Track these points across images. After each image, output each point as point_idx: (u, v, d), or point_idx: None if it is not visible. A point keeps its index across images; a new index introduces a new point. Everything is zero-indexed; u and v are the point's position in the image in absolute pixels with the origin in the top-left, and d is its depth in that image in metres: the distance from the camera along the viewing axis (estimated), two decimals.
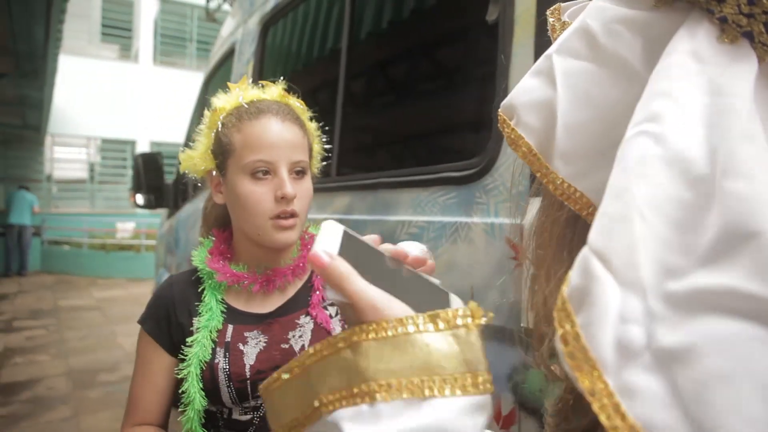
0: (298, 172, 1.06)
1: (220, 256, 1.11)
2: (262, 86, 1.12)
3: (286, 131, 1.04)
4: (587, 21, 0.41)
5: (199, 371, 1.02)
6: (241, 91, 1.10)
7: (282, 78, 1.17)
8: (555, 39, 0.51)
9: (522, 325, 1.17)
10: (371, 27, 2.07)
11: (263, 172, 1.02)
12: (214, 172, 1.10)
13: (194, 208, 2.98)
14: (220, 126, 1.07)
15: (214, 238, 1.15)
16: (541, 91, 0.42)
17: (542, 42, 1.17)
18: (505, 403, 1.19)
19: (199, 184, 1.20)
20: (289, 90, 1.16)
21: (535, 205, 1.15)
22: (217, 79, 3.52)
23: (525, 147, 0.43)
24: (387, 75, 1.96)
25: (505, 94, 1.27)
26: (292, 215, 1.03)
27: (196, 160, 1.10)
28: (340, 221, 1.70)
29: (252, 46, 2.72)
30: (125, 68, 14.51)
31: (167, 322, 1.08)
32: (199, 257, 1.11)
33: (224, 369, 1.02)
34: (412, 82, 1.86)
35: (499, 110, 0.45)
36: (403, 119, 1.86)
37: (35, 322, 7.12)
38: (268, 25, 2.67)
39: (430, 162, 1.52)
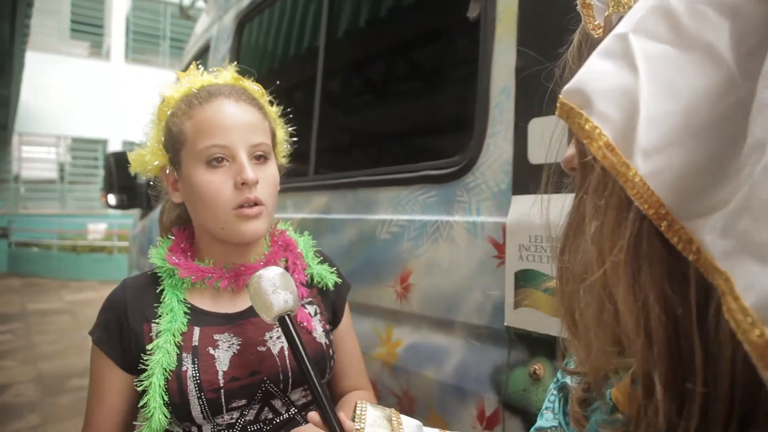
0: (260, 157, 0.95)
1: (182, 253, 1.00)
2: (214, 72, 1.04)
3: (241, 112, 0.94)
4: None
5: (163, 382, 0.88)
6: (191, 78, 1.01)
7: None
8: (587, 14, 0.48)
9: (505, 324, 1.16)
10: (349, 25, 2.04)
11: (219, 158, 0.91)
12: (167, 169, 1.00)
13: None
14: (169, 116, 0.97)
15: (173, 237, 1.03)
16: (619, 77, 0.37)
17: (525, 39, 1.16)
18: (488, 403, 1.18)
19: (152, 183, 1.09)
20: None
21: (520, 204, 1.15)
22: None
23: (602, 140, 0.37)
24: (366, 73, 1.94)
25: (487, 92, 1.27)
26: (257, 203, 0.93)
27: (146, 158, 1.00)
28: (318, 220, 1.65)
29: (228, 43, 2.67)
30: (96, 66, 14.17)
31: (119, 331, 0.93)
32: (158, 254, 0.99)
33: (194, 377, 0.90)
34: (392, 80, 1.84)
35: (562, 97, 0.40)
36: (383, 118, 1.84)
37: (2, 327, 6.91)
38: (243, 21, 2.62)
39: (410, 161, 1.50)
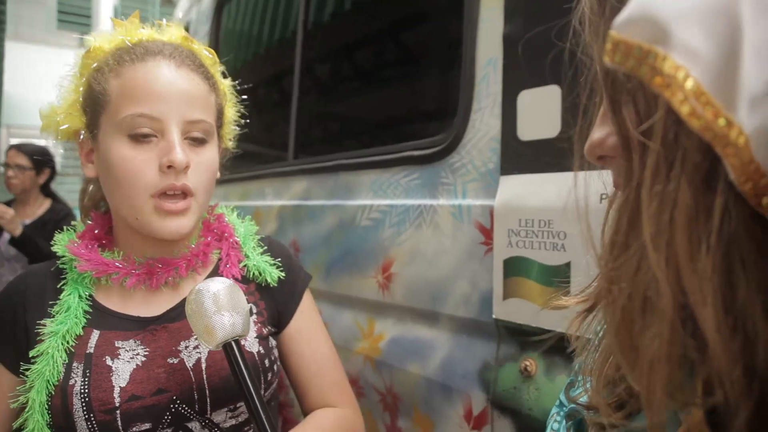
0: (197, 139, 0.80)
1: (92, 241, 0.84)
2: (158, 25, 0.87)
3: (181, 80, 0.78)
4: None
5: (45, 398, 0.72)
6: (128, 28, 0.84)
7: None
8: None
9: (493, 316, 1.06)
10: (329, 2, 1.93)
11: (145, 133, 0.75)
12: (82, 134, 0.82)
13: None
14: (93, 71, 0.80)
15: (90, 222, 0.88)
16: None
17: (514, 4, 1.06)
18: (476, 401, 1.08)
19: (62, 151, 0.92)
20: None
21: (509, 184, 1.04)
22: None
23: (689, 86, 0.26)
24: (346, 51, 1.83)
25: (472, 64, 1.16)
26: (185, 193, 0.77)
27: (58, 117, 0.82)
28: (298, 207, 1.54)
29: (206, 26, 2.55)
30: None
31: (12, 326, 0.79)
32: (62, 241, 0.84)
33: (81, 393, 0.73)
34: (373, 56, 1.73)
35: (618, 32, 0.29)
36: (363, 97, 1.74)
37: None
38: (222, 3, 2.51)
39: (392, 141, 1.40)
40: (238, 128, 0.97)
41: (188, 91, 0.79)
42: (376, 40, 1.68)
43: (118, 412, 0.73)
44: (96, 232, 0.86)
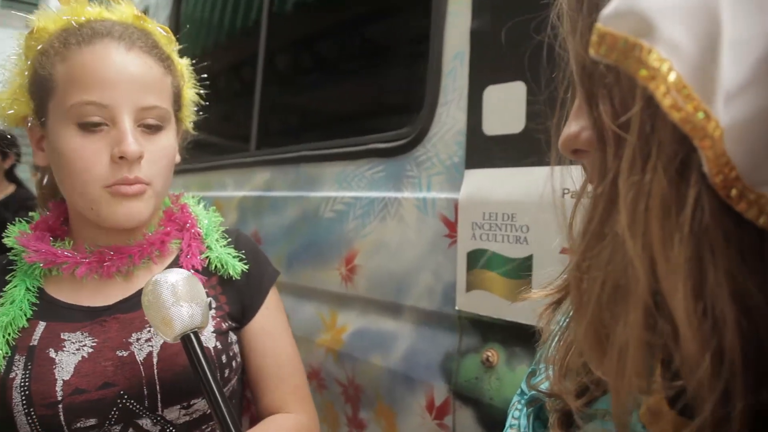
0: (152, 126, 0.76)
1: (45, 232, 0.81)
2: (107, 2, 0.81)
3: (132, 63, 0.73)
4: None
5: None
6: (74, 7, 0.78)
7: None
8: None
9: (456, 308, 1.07)
10: None
11: (94, 122, 0.72)
12: (30, 120, 0.79)
13: None
14: (38, 53, 0.76)
15: (47, 213, 0.86)
16: None
17: (481, 0, 1.07)
18: (438, 392, 1.10)
19: (9, 136, 0.87)
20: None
21: (473, 178, 1.06)
22: None
23: (672, 79, 0.27)
24: (310, 42, 1.81)
25: (439, 57, 1.17)
26: (139, 183, 0.75)
27: (4, 103, 0.78)
28: (260, 198, 1.52)
29: (166, 11, 2.47)
30: None
31: None
32: (13, 232, 0.80)
33: (22, 386, 0.70)
34: (339, 47, 1.72)
35: (605, 24, 0.29)
36: (328, 88, 1.73)
37: None
38: None
39: (356, 133, 1.39)
40: (197, 111, 0.93)
41: (140, 76, 0.74)
42: (343, 31, 1.67)
43: (60, 406, 0.71)
44: (50, 222, 0.83)
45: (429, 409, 1.12)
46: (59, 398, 0.71)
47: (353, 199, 1.33)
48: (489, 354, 1.02)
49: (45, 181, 0.88)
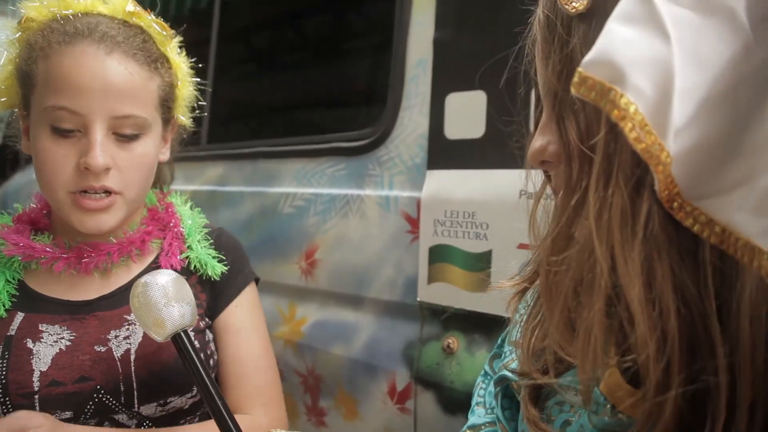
0: (127, 136, 0.74)
1: (26, 225, 0.81)
2: None
3: (109, 69, 0.71)
4: None
5: None
6: None
7: None
8: None
9: (418, 299, 1.15)
10: None
11: (66, 128, 0.71)
12: (17, 109, 0.79)
13: (28, 179, 2.57)
14: (25, 45, 0.75)
15: (33, 205, 0.85)
16: (650, 44, 0.33)
17: (445, 10, 1.14)
18: (400, 378, 1.17)
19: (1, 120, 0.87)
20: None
21: (435, 178, 1.14)
22: None
23: (638, 119, 0.33)
24: (270, 34, 1.82)
25: (402, 63, 1.23)
26: (108, 192, 0.74)
27: None
28: (213, 193, 1.51)
29: None
30: None
31: None
32: None
33: None
34: (297, 47, 1.75)
35: (585, 70, 0.35)
36: (286, 86, 1.75)
37: None
38: None
39: (318, 131, 1.44)
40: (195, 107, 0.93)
41: (117, 84, 0.72)
42: (303, 27, 1.70)
43: (36, 396, 0.72)
44: (33, 215, 0.83)
45: (391, 395, 1.19)
46: (36, 389, 0.72)
47: (313, 195, 1.38)
48: (450, 341, 1.10)
49: None
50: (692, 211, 0.34)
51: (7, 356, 0.72)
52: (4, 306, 0.75)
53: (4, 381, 0.71)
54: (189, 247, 0.88)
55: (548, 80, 0.46)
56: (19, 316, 0.76)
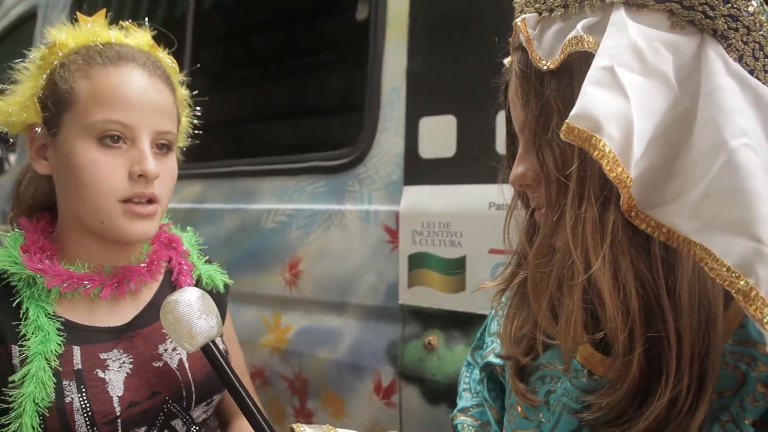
0: (163, 147, 0.82)
1: (41, 253, 0.81)
2: (124, 28, 0.87)
3: (153, 90, 0.80)
4: (634, 39, 0.47)
5: (38, 421, 0.72)
6: (95, 28, 0.83)
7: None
8: (531, 50, 0.55)
9: (399, 302, 1.27)
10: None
11: (116, 137, 0.77)
12: (38, 129, 0.81)
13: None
14: (58, 66, 0.80)
15: (23, 231, 0.84)
16: (617, 103, 0.45)
17: (416, 43, 1.28)
18: (385, 375, 1.29)
19: (11, 141, 0.91)
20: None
21: (412, 193, 1.26)
22: (5, 49, 3.00)
23: (611, 155, 0.45)
24: (249, 53, 1.90)
25: (378, 90, 1.36)
26: (151, 201, 0.79)
27: (11, 110, 0.81)
28: (192, 210, 1.56)
29: (65, 12, 2.37)
30: None
31: None
32: (9, 256, 0.79)
33: (83, 409, 0.74)
34: (279, 68, 1.84)
35: (573, 123, 0.47)
36: (265, 102, 1.84)
37: None
38: None
39: (297, 151, 1.54)
40: (190, 138, 1.02)
41: (159, 102, 0.81)
42: (285, 49, 1.78)
43: (119, 420, 0.77)
44: (40, 242, 0.83)
45: (377, 391, 1.31)
46: (118, 413, 0.77)
47: (295, 210, 1.48)
48: (430, 339, 1.23)
49: (36, 190, 0.90)
50: (645, 218, 0.48)
51: (84, 390, 0.75)
52: (60, 342, 0.76)
53: (90, 413, 0.75)
54: (195, 265, 0.96)
55: (527, 121, 0.58)
56: (77, 350, 0.78)
